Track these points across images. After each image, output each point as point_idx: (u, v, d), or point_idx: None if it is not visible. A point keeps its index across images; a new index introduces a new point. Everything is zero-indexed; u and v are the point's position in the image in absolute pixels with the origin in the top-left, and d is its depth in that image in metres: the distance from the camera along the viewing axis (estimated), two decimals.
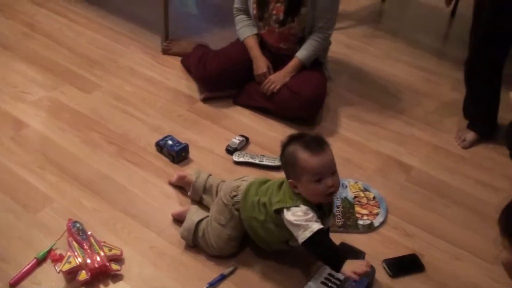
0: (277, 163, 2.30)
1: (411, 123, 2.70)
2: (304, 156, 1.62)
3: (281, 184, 1.75)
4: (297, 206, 1.64)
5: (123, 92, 2.74)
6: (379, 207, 2.14)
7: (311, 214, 1.63)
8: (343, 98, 2.83)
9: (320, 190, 1.63)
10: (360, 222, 2.07)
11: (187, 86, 2.82)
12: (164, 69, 2.95)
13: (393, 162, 2.43)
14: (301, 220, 1.62)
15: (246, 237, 1.87)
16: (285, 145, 1.69)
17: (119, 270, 1.78)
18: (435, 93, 2.95)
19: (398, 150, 2.50)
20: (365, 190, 2.22)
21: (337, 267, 1.60)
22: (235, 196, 1.82)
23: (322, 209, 1.71)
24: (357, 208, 2.13)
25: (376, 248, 1.97)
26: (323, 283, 1.75)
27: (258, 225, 1.77)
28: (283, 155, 1.70)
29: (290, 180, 1.67)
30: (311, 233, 1.60)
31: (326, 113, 2.71)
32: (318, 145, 1.64)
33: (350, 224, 2.06)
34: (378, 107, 2.79)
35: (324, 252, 1.66)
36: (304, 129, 2.55)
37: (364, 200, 2.17)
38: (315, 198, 1.66)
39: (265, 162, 2.30)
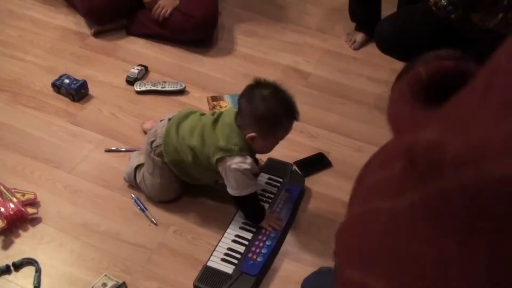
0: (179, 87, 2.31)
1: (303, 31, 2.78)
2: (289, 126, 1.65)
3: (214, 122, 1.67)
4: (243, 156, 1.61)
5: (6, 36, 2.59)
6: None
7: (252, 175, 1.65)
8: (236, 16, 2.85)
9: (272, 148, 1.70)
10: None
11: (75, 22, 2.71)
12: (48, 7, 2.79)
13: (291, 70, 2.52)
14: (246, 177, 1.62)
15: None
16: (265, 95, 1.58)
17: (36, 213, 1.77)
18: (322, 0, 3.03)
19: (294, 59, 2.58)
20: None
21: (257, 223, 1.75)
22: (153, 141, 1.74)
23: None
24: None
25: (285, 153, 2.07)
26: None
27: (185, 166, 1.73)
28: (257, 105, 1.58)
29: (253, 135, 1.59)
30: (247, 193, 1.66)
31: (222, 33, 2.72)
32: (298, 114, 1.64)
33: None
34: (270, 21, 2.84)
35: (250, 209, 1.76)
36: (201, 51, 2.57)
37: None
38: (264, 152, 1.72)
39: (167, 88, 2.30)
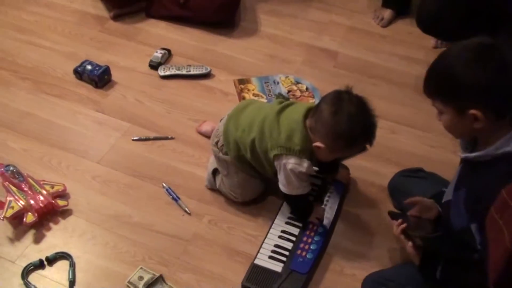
0: (204, 70, 2.24)
1: (328, 9, 2.68)
2: (361, 149, 1.54)
3: (278, 113, 1.57)
4: (300, 158, 1.52)
5: (24, 22, 2.52)
6: (313, 97, 2.16)
7: (306, 177, 1.59)
8: None
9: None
10: None
11: (93, 6, 2.63)
12: None
13: (319, 50, 2.43)
14: (298, 179, 1.56)
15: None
16: (352, 114, 1.44)
17: (67, 205, 1.72)
18: None
19: (321, 38, 2.50)
20: (297, 82, 2.22)
21: (303, 220, 1.68)
22: (217, 142, 1.69)
23: None
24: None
25: None
26: None
27: (248, 161, 1.66)
28: (340, 121, 1.43)
29: (321, 145, 1.48)
30: (297, 193, 1.60)
31: (244, 13, 2.63)
32: (374, 140, 1.52)
33: None
34: None
35: (297, 207, 1.70)
36: (224, 32, 2.49)
37: (298, 93, 2.18)
38: (324, 160, 1.61)
39: (192, 72, 2.23)
